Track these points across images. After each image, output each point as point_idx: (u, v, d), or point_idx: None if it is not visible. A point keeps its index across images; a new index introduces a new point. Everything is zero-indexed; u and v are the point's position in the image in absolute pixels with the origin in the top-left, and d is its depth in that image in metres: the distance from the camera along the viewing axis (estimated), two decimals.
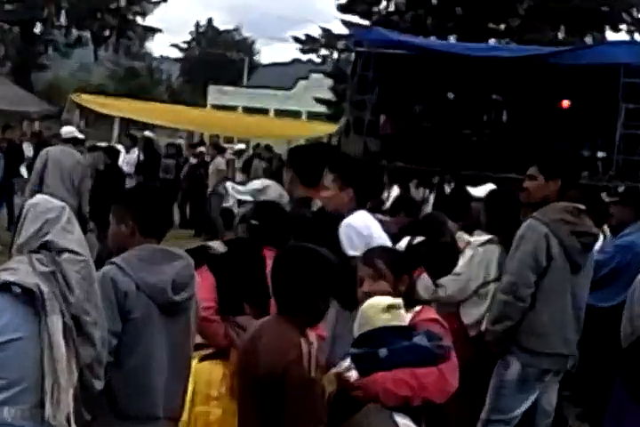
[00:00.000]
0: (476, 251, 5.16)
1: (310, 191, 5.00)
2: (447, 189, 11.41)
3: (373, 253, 3.64)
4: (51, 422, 2.57)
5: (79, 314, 2.69)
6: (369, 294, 3.36)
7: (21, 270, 2.64)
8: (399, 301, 3.20)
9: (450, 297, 5.04)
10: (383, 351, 2.99)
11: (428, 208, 9.64)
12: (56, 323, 2.61)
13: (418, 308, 3.46)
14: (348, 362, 3.23)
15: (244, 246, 3.99)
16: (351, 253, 4.25)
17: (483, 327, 4.95)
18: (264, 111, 33.04)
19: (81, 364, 2.68)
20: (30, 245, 2.74)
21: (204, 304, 3.63)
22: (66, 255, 2.71)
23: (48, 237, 2.72)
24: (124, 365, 3.08)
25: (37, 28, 34.85)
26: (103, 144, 14.07)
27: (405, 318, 3.22)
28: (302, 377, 2.94)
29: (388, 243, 4.51)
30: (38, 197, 3.03)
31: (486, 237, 5.22)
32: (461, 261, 5.13)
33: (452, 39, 19.72)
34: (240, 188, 8.02)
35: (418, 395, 2.98)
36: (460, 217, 6.27)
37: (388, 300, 3.18)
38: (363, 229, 4.43)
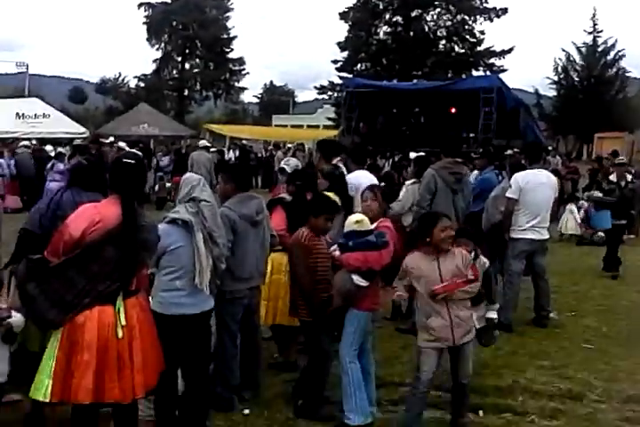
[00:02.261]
0: (407, 187, 7.83)
1: (328, 163, 7.12)
2: (396, 159, 19.21)
3: (374, 187, 5.49)
4: (198, 286, 4.34)
5: (211, 232, 4.42)
6: (369, 209, 5.16)
7: (180, 212, 4.39)
8: (363, 217, 4.88)
9: (396, 212, 7.56)
10: (350, 243, 4.77)
11: (386, 169, 15.44)
12: (200, 237, 4.36)
13: (381, 219, 5.20)
14: (335, 247, 4.98)
15: (297, 195, 5.93)
16: (352, 193, 6.52)
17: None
18: (301, 126, 50.21)
19: (213, 256, 4.44)
20: (184, 199, 4.46)
21: (279, 227, 5.62)
22: (203, 203, 4.43)
23: (194, 194, 4.45)
24: (237, 253, 4.95)
25: (185, 92, 63.75)
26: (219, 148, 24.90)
27: (370, 225, 4.87)
28: (293, 244, 5.00)
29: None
30: (187, 174, 4.82)
31: (413, 180, 7.92)
32: (401, 194, 7.81)
33: (394, 81, 33.51)
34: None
35: (364, 265, 4.70)
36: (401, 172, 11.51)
37: (359, 216, 4.89)
38: (358, 180, 6.81)
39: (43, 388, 3.66)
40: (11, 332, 4.17)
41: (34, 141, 20.49)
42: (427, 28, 47.26)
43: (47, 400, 3.70)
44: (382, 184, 8.43)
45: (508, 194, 7.47)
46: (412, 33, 46.56)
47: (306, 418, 4.94)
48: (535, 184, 7.48)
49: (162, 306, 4.38)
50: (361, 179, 6.85)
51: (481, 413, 5.17)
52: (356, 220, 4.85)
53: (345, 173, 7.10)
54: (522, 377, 6.00)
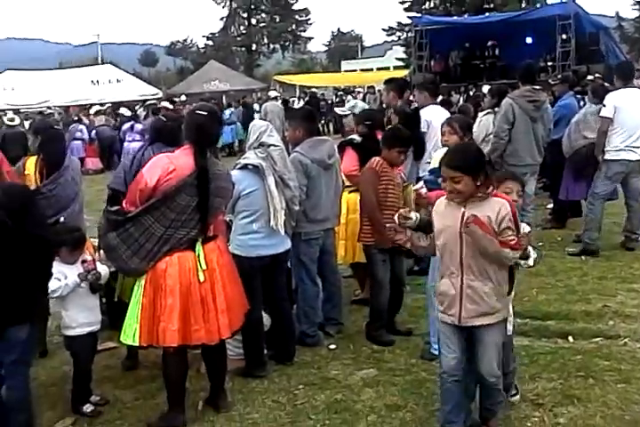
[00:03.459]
0: (481, 118, 7.70)
1: (401, 100, 7.02)
2: (470, 93, 19.81)
3: (452, 119, 5.04)
4: (274, 227, 4.48)
5: (281, 175, 4.55)
6: (448, 142, 4.68)
7: (250, 157, 4.54)
8: (436, 156, 4.56)
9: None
10: (439, 179, 3.58)
11: (460, 103, 17.01)
12: (271, 180, 4.48)
13: None
14: (421, 184, 4.82)
15: (367, 135, 5.80)
16: (424, 129, 6.47)
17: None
18: (370, 70, 48.34)
19: (286, 198, 4.57)
20: (253, 145, 4.60)
21: (352, 167, 5.65)
22: (271, 148, 4.56)
23: (262, 140, 4.56)
24: (311, 197, 5.01)
25: (253, 47, 63.90)
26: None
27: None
28: (365, 169, 5.08)
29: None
30: (255, 120, 5.30)
31: (487, 111, 7.82)
32: (475, 126, 6.97)
33: (465, 16, 31.41)
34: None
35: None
36: (479, 106, 10.36)
37: (436, 155, 4.62)
38: (430, 115, 6.55)
39: (131, 333, 3.79)
40: (97, 283, 4.30)
41: (107, 105, 21.00)
42: None
43: (136, 344, 3.84)
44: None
45: (602, 113, 7.10)
46: None
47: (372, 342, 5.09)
48: (630, 103, 7.07)
49: (241, 249, 4.47)
50: (433, 114, 6.66)
51: (570, 338, 5.05)
52: (437, 158, 4.53)
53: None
54: (612, 302, 5.80)
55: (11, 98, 20.83)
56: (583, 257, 7.09)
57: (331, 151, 5.22)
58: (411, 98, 7.16)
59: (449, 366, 3.51)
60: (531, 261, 3.63)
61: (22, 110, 19.80)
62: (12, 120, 14.08)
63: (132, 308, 3.82)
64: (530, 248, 3.60)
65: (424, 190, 4.63)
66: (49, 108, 19.97)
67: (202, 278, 3.78)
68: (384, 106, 9.21)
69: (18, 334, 3.54)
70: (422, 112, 6.70)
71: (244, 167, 4.51)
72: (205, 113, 3.95)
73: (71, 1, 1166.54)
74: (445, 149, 4.61)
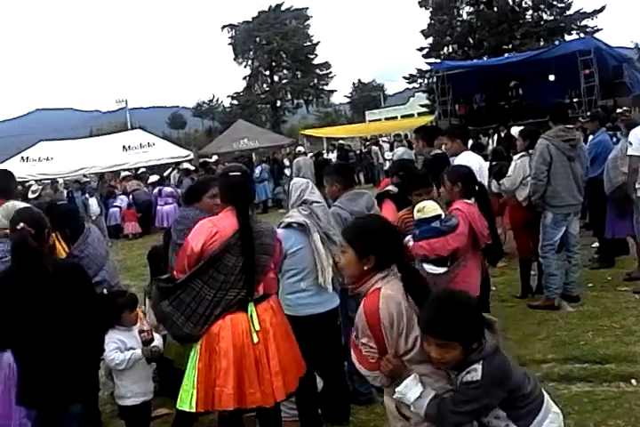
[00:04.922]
0: (516, 162, 7.50)
1: (431, 148, 7.15)
2: (501, 135, 19.16)
3: (444, 173, 5.04)
4: (322, 285, 4.45)
5: (326, 231, 4.58)
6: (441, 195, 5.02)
7: (294, 215, 4.55)
8: (426, 204, 4.67)
9: (507, 188, 7.45)
10: (416, 232, 4.63)
11: (491, 146, 16.88)
12: (317, 237, 4.51)
13: (456, 201, 4.84)
14: (409, 237, 4.69)
15: (402, 186, 5.62)
16: None
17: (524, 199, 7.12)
18: (394, 118, 47.95)
19: (332, 254, 4.48)
20: (296, 203, 4.64)
21: (391, 219, 4.88)
22: (314, 204, 4.60)
23: (304, 197, 4.62)
24: None
25: (277, 103, 65.93)
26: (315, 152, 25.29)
27: (434, 211, 4.61)
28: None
29: (482, 164, 6.82)
30: (295, 179, 4.94)
31: (521, 153, 7.52)
32: (510, 169, 7.52)
33: (484, 58, 31.94)
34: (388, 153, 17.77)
35: (431, 253, 4.54)
36: (511, 147, 9.97)
37: (421, 204, 4.71)
38: (462, 162, 6.30)
39: (188, 398, 3.72)
40: (156, 355, 4.35)
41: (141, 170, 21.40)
42: (510, 2, 45.77)
43: (193, 410, 3.75)
44: (492, 162, 8.47)
45: (630, 152, 6.98)
46: (495, 8, 45.17)
47: None
48: None
49: (290, 308, 4.41)
50: (467, 160, 6.58)
51: (634, 381, 4.86)
52: (418, 208, 4.73)
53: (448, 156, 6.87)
54: None
55: (46, 168, 21.30)
56: (637, 296, 6.85)
57: (369, 203, 5.23)
58: (439, 150, 7.09)
59: None
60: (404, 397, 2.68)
61: (59, 179, 20.21)
62: (34, 192, 14.48)
63: (189, 373, 3.78)
64: (409, 380, 2.68)
65: (410, 243, 4.65)
66: (84, 175, 20.39)
67: (255, 340, 3.72)
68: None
69: (73, 408, 3.54)
70: (458, 159, 6.67)
71: (289, 226, 4.53)
72: (239, 173, 3.99)
73: (98, 69, 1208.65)
74: (422, 202, 4.78)
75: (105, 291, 4.75)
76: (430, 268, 4.61)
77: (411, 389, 2.64)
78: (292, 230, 4.51)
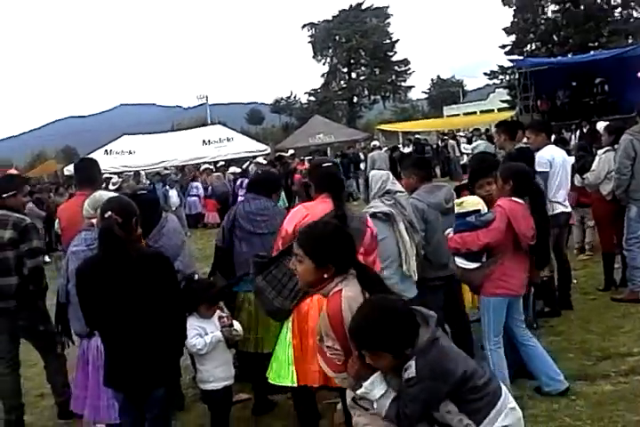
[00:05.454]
0: (600, 157, 7.47)
1: (513, 142, 6.83)
2: (584, 130, 18.68)
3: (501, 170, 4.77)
4: (407, 273, 4.50)
5: (410, 220, 4.65)
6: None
7: (378, 205, 4.59)
8: (466, 199, 4.68)
9: (591, 182, 7.45)
10: (453, 227, 4.63)
11: (573, 142, 16.29)
12: (402, 226, 4.54)
13: (500, 198, 4.61)
14: (450, 230, 4.69)
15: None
16: (545, 169, 6.42)
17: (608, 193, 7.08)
18: (473, 113, 47.18)
19: (415, 243, 4.61)
20: (378, 194, 4.66)
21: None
22: (398, 194, 4.64)
23: (387, 188, 4.67)
24: (430, 242, 4.95)
25: (354, 99, 67.18)
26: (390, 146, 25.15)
27: (473, 206, 4.54)
28: None
29: (565, 158, 6.77)
30: (374, 171, 5.03)
31: (606, 148, 7.46)
32: (594, 164, 7.46)
33: (569, 55, 30.88)
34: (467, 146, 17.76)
35: (463, 246, 4.49)
36: (594, 142, 9.32)
37: (462, 199, 4.75)
38: (546, 156, 6.54)
39: (288, 374, 3.96)
40: (235, 339, 4.44)
41: (220, 163, 21.86)
42: (598, 0, 44.48)
43: (295, 385, 3.95)
44: (575, 156, 8.21)
45: None
46: (582, 6, 43.91)
47: None
48: None
49: None
50: (552, 154, 6.63)
51: None
52: (457, 202, 4.73)
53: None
54: None
55: (129, 161, 21.97)
56: None
57: (448, 196, 5.20)
58: (524, 140, 6.96)
59: None
60: (370, 393, 2.61)
61: (141, 172, 20.81)
62: (114, 184, 15.07)
63: (282, 351, 4.02)
64: (375, 377, 2.61)
65: (450, 235, 4.67)
66: (165, 168, 20.91)
67: None
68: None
69: (157, 393, 3.65)
70: (542, 153, 6.61)
71: (373, 216, 4.53)
72: (330, 164, 4.27)
73: (180, 65, 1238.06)
74: (465, 197, 4.80)
75: (196, 277, 5.02)
76: (461, 262, 4.61)
77: (376, 386, 2.59)
78: (376, 220, 4.49)
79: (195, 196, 18.51)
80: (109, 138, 26.24)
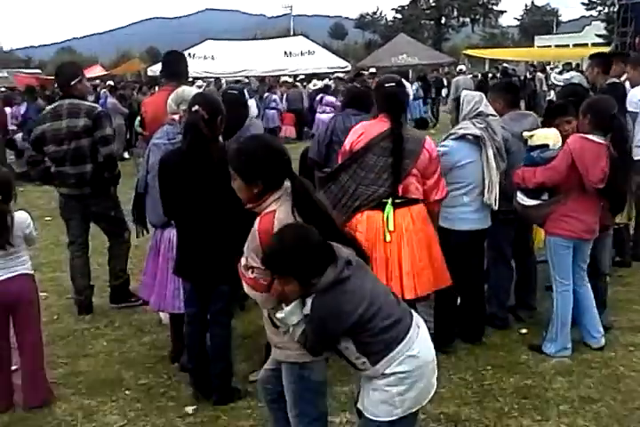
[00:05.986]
0: None
1: (606, 76, 6.53)
2: None
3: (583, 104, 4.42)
4: (487, 201, 4.39)
5: (500, 146, 4.43)
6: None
7: (469, 127, 4.36)
8: (537, 132, 4.51)
9: None
10: (529, 156, 4.46)
11: None
12: (491, 152, 4.36)
13: (571, 136, 4.34)
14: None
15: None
16: (634, 109, 6.05)
17: None
18: (566, 46, 44.86)
19: (500, 171, 4.41)
20: (469, 115, 4.42)
21: None
22: (490, 117, 4.42)
23: (480, 109, 4.41)
24: (508, 173, 4.55)
25: (442, 20, 64.28)
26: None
27: (547, 140, 4.40)
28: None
29: None
30: (466, 92, 4.70)
31: None
32: None
33: None
34: (558, 77, 17.01)
35: (521, 181, 4.41)
36: None
37: (534, 132, 4.52)
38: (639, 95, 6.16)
39: None
40: None
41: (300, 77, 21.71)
42: None
43: None
44: None
45: None
46: None
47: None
48: None
49: (448, 221, 4.44)
50: None
51: None
52: (528, 134, 4.54)
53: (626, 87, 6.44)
54: None
55: (210, 66, 21.96)
56: None
57: (533, 125, 4.96)
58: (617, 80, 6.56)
59: None
60: (287, 319, 2.65)
61: (221, 78, 20.83)
62: (199, 87, 15.19)
63: None
64: (294, 305, 2.62)
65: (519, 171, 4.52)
66: (246, 77, 20.88)
67: (387, 239, 3.95)
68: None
69: (223, 287, 3.82)
70: (636, 91, 6.19)
71: (462, 137, 4.40)
72: (393, 84, 4.12)
73: None
74: (539, 130, 4.57)
75: None
76: (521, 197, 4.50)
77: (293, 313, 2.61)
78: (464, 142, 4.40)
79: (273, 109, 17.90)
80: (193, 41, 26.20)
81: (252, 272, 2.79)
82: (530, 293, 5.29)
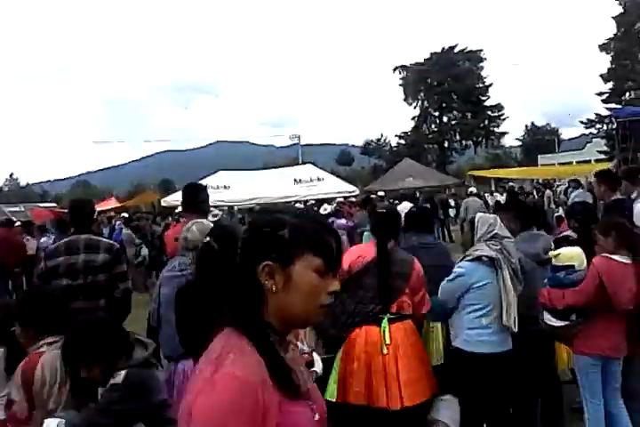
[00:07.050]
0: None
1: (613, 193, 6.66)
2: None
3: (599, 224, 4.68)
4: (506, 323, 4.24)
5: (516, 268, 4.32)
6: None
7: (484, 249, 4.36)
8: (563, 251, 4.54)
9: None
10: (546, 280, 4.53)
11: None
12: (507, 274, 4.27)
13: (596, 257, 4.40)
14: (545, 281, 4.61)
15: (581, 230, 5.31)
16: (637, 222, 5.87)
17: None
18: (569, 163, 46.10)
19: (517, 293, 4.30)
20: (484, 238, 4.42)
21: None
22: (505, 240, 4.36)
23: (495, 231, 4.40)
24: (524, 293, 4.44)
25: (445, 144, 66.15)
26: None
27: (573, 261, 4.43)
28: None
29: None
30: (480, 214, 4.73)
31: None
32: None
33: None
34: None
35: (548, 302, 4.42)
36: None
37: (559, 250, 4.57)
38: None
39: (330, 390, 4.36)
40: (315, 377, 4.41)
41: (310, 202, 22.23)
42: None
43: (333, 400, 4.28)
44: None
45: None
46: None
47: None
48: None
49: (468, 344, 4.37)
50: None
51: None
52: (554, 253, 4.60)
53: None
54: None
55: (223, 196, 22.55)
56: None
57: (547, 246, 5.08)
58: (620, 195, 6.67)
59: None
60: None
61: (235, 207, 21.29)
62: (215, 216, 15.42)
63: (332, 370, 4.41)
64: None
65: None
66: (258, 204, 21.36)
67: (384, 351, 4.24)
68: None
69: None
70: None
71: (478, 259, 4.43)
72: (384, 210, 4.68)
73: (275, 106, 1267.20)
74: (565, 248, 4.58)
75: None
76: (548, 318, 4.49)
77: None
78: (479, 264, 4.40)
79: None
80: (205, 172, 27.03)
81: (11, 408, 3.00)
82: (557, 415, 5.07)
